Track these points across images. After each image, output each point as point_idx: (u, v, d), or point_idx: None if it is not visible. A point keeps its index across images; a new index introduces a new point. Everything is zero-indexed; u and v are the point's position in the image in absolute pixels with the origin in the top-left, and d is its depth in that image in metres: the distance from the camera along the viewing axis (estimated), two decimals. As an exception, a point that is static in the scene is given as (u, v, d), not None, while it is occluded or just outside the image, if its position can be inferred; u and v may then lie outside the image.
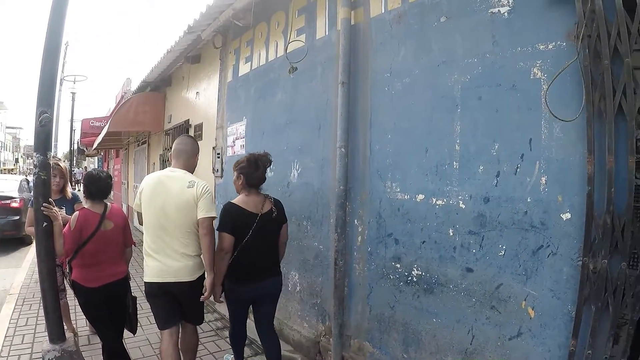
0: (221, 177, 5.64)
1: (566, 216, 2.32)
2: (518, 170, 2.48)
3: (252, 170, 3.09)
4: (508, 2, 2.53)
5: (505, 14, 2.54)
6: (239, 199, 3.10)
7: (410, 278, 2.99)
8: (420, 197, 2.93)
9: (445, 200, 2.80)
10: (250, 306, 3.23)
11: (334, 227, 3.38)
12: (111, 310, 3.06)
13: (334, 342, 3.40)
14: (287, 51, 4.07)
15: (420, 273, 2.93)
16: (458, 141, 2.74)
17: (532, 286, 2.42)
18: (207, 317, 4.44)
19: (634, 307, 2.07)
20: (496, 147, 2.57)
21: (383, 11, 3.21)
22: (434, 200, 2.86)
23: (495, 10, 2.58)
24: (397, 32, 3.11)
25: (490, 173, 2.60)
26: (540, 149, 2.40)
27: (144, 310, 4.50)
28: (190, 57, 6.66)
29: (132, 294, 3.28)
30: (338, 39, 3.46)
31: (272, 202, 3.19)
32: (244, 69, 5.09)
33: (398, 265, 3.07)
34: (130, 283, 3.32)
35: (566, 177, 2.32)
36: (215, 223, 2.99)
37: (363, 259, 3.33)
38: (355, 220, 3.38)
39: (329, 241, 3.60)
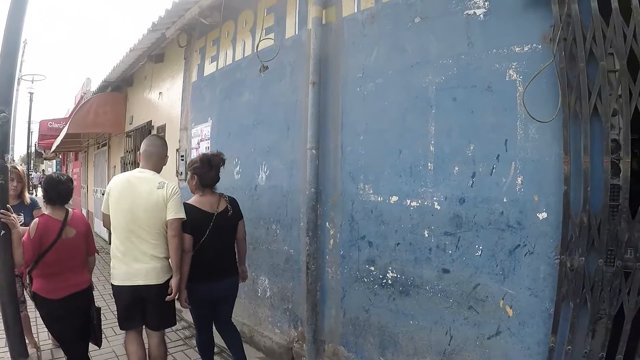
0: (185, 180, 5.35)
1: (542, 215, 2.29)
2: (494, 170, 2.44)
3: (206, 171, 3.04)
4: (484, 4, 2.49)
5: (481, 15, 2.50)
6: (194, 200, 3.05)
7: (385, 281, 2.89)
8: (394, 198, 2.84)
9: (420, 201, 2.72)
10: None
11: (305, 231, 3.25)
12: (75, 322, 2.80)
13: (307, 348, 3.26)
14: (255, 51, 3.91)
15: (396, 275, 2.83)
16: (433, 142, 2.67)
17: (510, 285, 2.38)
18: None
19: (611, 302, 2.08)
20: (472, 148, 2.52)
21: (355, 11, 3.12)
22: (409, 201, 2.77)
23: (471, 12, 2.54)
24: (370, 32, 3.02)
25: (466, 174, 2.54)
26: (516, 150, 2.37)
27: (108, 321, 4.21)
28: (153, 56, 6.33)
29: (96, 304, 3.01)
30: (309, 38, 3.34)
31: (227, 200, 3.15)
32: (209, 68, 4.88)
33: (372, 268, 2.96)
34: (94, 293, 3.05)
35: (542, 177, 2.31)
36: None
37: (335, 262, 3.20)
38: (327, 223, 3.25)
39: (299, 245, 3.46)
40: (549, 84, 2.25)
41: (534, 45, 2.33)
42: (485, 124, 2.48)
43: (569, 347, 2.16)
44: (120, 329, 2.94)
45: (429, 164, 2.69)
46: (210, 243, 2.95)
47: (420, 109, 2.74)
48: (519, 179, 2.36)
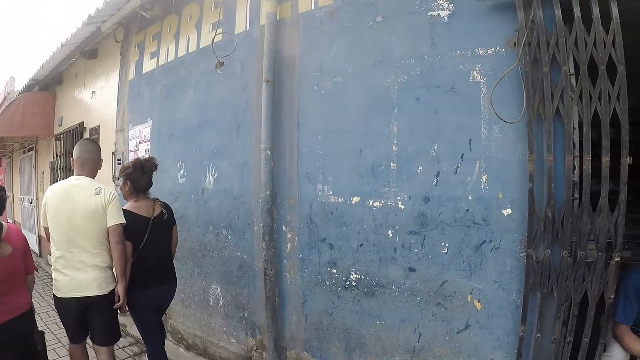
0: (120, 185, 4.86)
1: (507, 212, 2.29)
2: (458, 169, 2.39)
3: (139, 176, 2.91)
4: (448, 6, 2.45)
5: (445, 17, 2.45)
6: (130, 205, 2.92)
7: (348, 283, 2.73)
8: (356, 199, 2.69)
9: (383, 201, 2.60)
10: None
11: (262, 235, 3.00)
12: (17, 350, 2.31)
13: (268, 356, 3.02)
14: (200, 47, 3.61)
15: (359, 277, 2.69)
16: (395, 142, 2.57)
17: (477, 280, 2.36)
18: (121, 342, 3.71)
19: (576, 290, 2.13)
20: (435, 147, 2.45)
21: (313, 7, 2.93)
22: (371, 202, 2.64)
23: (435, 13, 2.48)
24: (328, 30, 2.85)
25: (430, 173, 2.47)
26: (480, 149, 2.35)
27: (51, 342, 3.68)
28: (87, 52, 5.55)
29: (38, 327, 2.55)
30: (262, 34, 3.09)
31: (162, 205, 3.04)
32: (149, 65, 4.39)
33: (334, 271, 2.79)
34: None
35: (506, 175, 2.31)
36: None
37: (294, 266, 2.99)
38: (284, 227, 3.03)
39: (253, 250, 3.20)
40: (512, 86, 2.24)
41: (498, 48, 2.33)
42: (449, 124, 2.43)
43: (538, 334, 2.20)
44: (69, 341, 2.72)
45: (392, 163, 2.58)
46: (149, 248, 2.82)
47: (382, 109, 2.62)
48: (484, 177, 2.34)
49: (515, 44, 2.26)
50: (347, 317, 2.77)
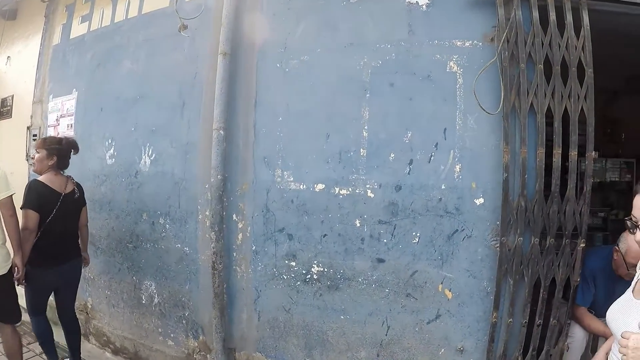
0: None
1: (479, 201, 2.30)
2: (432, 158, 2.34)
3: (66, 154, 2.82)
4: None
5: (424, 6, 2.39)
6: (44, 178, 2.74)
7: (309, 276, 2.51)
8: (320, 186, 2.48)
9: (350, 189, 2.44)
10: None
11: (210, 225, 2.63)
12: None
13: (215, 358, 2.63)
14: (142, 12, 3.12)
15: (322, 269, 2.49)
16: (366, 127, 2.43)
17: (448, 269, 2.33)
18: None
19: (546, 275, 2.21)
20: (409, 135, 2.37)
21: (281, -22, 2.65)
22: (337, 189, 2.46)
23: (414, 1, 2.40)
24: (296, 5, 2.61)
25: (403, 161, 2.38)
26: (455, 139, 2.34)
27: None
28: (5, 12, 4.46)
29: None
30: (218, 2, 2.71)
31: (75, 183, 2.91)
32: (78, 29, 3.66)
33: (293, 264, 2.55)
34: None
35: (479, 165, 2.32)
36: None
37: (246, 259, 2.67)
38: (234, 216, 2.69)
39: (197, 242, 2.80)
40: (488, 79, 2.24)
41: (475, 42, 2.33)
42: (424, 112, 2.37)
43: (510, 319, 2.23)
44: None
45: (362, 150, 2.44)
46: (56, 224, 2.70)
47: (353, 92, 2.46)
48: (457, 167, 2.31)
49: (492, 39, 2.29)
50: (307, 313, 2.54)
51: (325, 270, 2.51)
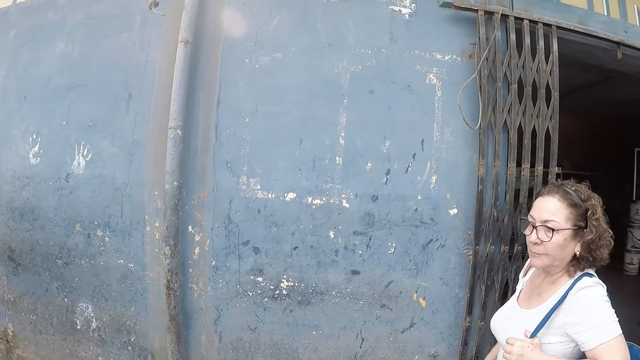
0: None
1: (453, 212, 2.35)
2: (409, 169, 2.33)
3: None
4: (410, 5, 2.37)
5: (407, 15, 2.36)
6: None
7: (278, 292, 2.31)
8: (291, 195, 2.30)
9: (324, 199, 2.30)
10: None
11: (164, 238, 2.25)
12: None
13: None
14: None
15: (292, 284, 2.31)
16: (343, 134, 2.31)
17: (423, 278, 2.34)
18: None
19: (514, 280, 2.31)
20: (387, 144, 2.32)
21: (255, -35, 2.35)
22: (310, 199, 2.30)
23: (397, 8, 2.36)
24: (271, -3, 2.34)
25: (380, 171, 2.32)
26: (432, 150, 2.35)
27: None
28: None
29: None
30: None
31: None
32: (2, 1, 2.85)
33: (260, 279, 2.32)
34: None
35: (454, 177, 2.38)
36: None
37: (204, 276, 2.35)
38: (190, 227, 2.34)
39: (144, 257, 2.37)
40: (466, 94, 2.26)
41: (454, 56, 2.37)
42: (402, 122, 2.34)
43: (482, 323, 2.31)
44: None
45: (337, 157, 2.31)
46: None
47: (330, 97, 2.32)
48: (434, 178, 2.33)
49: (470, 56, 2.35)
50: (275, 331, 2.33)
51: (296, 284, 2.33)
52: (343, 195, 2.32)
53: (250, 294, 2.34)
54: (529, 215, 1.35)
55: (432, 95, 2.33)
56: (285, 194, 2.33)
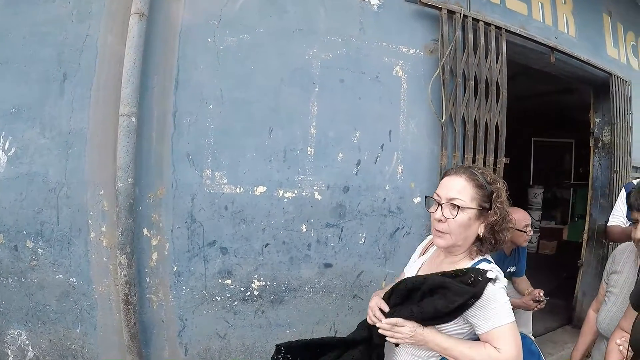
0: None
1: (417, 200, 2.43)
2: (378, 159, 2.34)
3: None
4: None
5: (375, 6, 2.32)
6: None
7: (249, 293, 2.12)
8: (261, 189, 2.12)
9: (296, 191, 2.18)
10: None
11: (118, 245, 1.85)
12: None
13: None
14: None
15: (264, 283, 2.14)
16: (314, 124, 2.20)
17: (390, 266, 2.38)
18: None
19: None
20: (357, 135, 2.28)
21: None
22: (281, 192, 2.15)
23: None
24: (238, -29, 2.05)
25: (351, 161, 2.27)
26: (399, 141, 2.39)
27: None
28: None
29: None
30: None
31: None
32: None
33: (229, 281, 2.10)
34: None
35: (417, 167, 2.46)
36: None
37: (164, 284, 2.03)
38: (145, 230, 1.99)
39: (89, 268, 1.93)
40: (427, 88, 2.35)
41: (417, 51, 2.42)
42: (372, 113, 2.32)
43: None
44: None
45: (309, 148, 2.19)
46: None
47: (300, 84, 2.18)
48: (400, 168, 2.37)
49: (432, 51, 2.41)
50: (247, 334, 2.13)
51: (268, 284, 2.16)
52: (315, 187, 2.20)
53: (219, 299, 2.11)
54: (434, 194, 1.32)
55: (398, 87, 2.34)
56: (255, 188, 2.12)
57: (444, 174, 1.37)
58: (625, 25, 3.60)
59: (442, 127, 2.34)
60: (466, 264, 1.29)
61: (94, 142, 1.92)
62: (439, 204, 1.27)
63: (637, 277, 1.28)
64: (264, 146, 2.12)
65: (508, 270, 2.83)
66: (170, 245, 2.02)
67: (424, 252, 1.53)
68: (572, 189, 6.82)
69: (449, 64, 2.32)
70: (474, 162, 2.41)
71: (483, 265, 1.26)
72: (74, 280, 1.94)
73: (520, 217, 2.67)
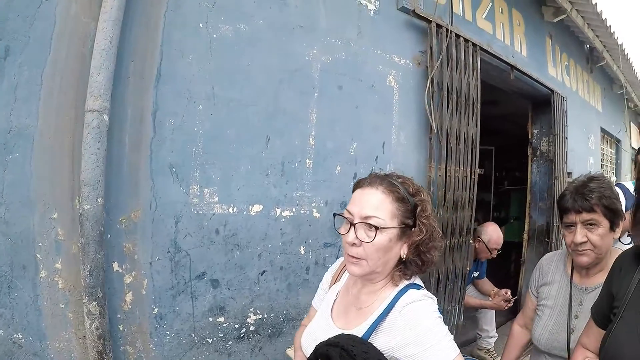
0: None
1: None
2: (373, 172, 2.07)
3: None
4: (375, 2, 2.14)
5: (372, 12, 2.15)
6: None
7: (244, 329, 1.73)
8: (257, 208, 1.75)
9: (295, 209, 1.87)
10: None
11: (89, 289, 1.29)
12: None
13: None
14: None
15: (261, 317, 1.77)
16: (313, 133, 1.92)
17: None
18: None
19: (448, 267, 2.45)
20: (354, 146, 2.08)
21: None
22: (279, 211, 1.82)
23: (364, 2, 2.10)
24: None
25: (348, 174, 2.06)
26: (391, 153, 2.26)
27: None
28: None
29: None
30: None
31: None
32: None
33: (221, 319, 1.67)
34: None
35: None
36: None
37: (143, 331, 1.50)
38: (116, 265, 1.45)
39: (40, 320, 1.31)
40: (413, 100, 2.28)
41: (408, 61, 2.31)
42: (368, 123, 2.13)
43: None
44: None
45: (308, 160, 1.90)
46: None
47: (300, 87, 1.87)
48: None
49: (419, 63, 2.31)
50: (242, 379, 1.71)
51: (265, 316, 1.78)
52: (314, 204, 1.90)
53: (210, 341, 1.66)
54: (345, 210, 1.04)
55: (391, 97, 2.17)
56: (250, 207, 1.74)
57: (355, 184, 1.09)
58: (561, 47, 3.98)
59: (430, 139, 2.25)
60: (390, 292, 1.03)
61: (44, 147, 1.34)
62: (352, 224, 0.99)
63: (601, 292, 1.10)
64: (261, 157, 1.75)
65: (472, 275, 2.89)
66: (149, 282, 1.52)
67: (336, 280, 1.24)
68: (506, 193, 6.97)
69: (437, 77, 2.23)
70: (455, 174, 2.38)
71: (411, 294, 1.00)
72: (20, 336, 1.31)
73: (494, 239, 2.75)
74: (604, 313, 1.05)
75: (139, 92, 1.49)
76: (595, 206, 1.27)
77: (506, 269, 4.04)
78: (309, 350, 1.05)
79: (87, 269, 1.33)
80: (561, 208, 1.36)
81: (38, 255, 1.33)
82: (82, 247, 1.33)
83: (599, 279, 1.30)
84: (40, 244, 1.34)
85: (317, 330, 1.10)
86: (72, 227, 1.38)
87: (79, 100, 1.38)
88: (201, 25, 1.60)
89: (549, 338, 1.42)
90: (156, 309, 1.53)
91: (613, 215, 1.28)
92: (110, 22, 1.34)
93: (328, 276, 1.29)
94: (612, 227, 1.29)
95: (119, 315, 1.46)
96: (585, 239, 1.29)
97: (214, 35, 1.63)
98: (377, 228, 0.96)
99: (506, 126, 4.54)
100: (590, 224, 1.29)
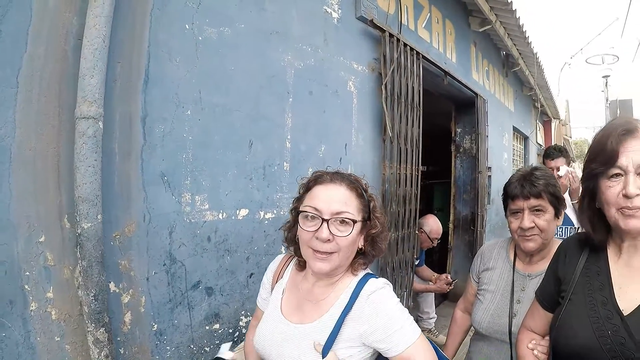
0: None
1: None
2: None
3: None
4: (337, 10, 2.21)
5: (335, 20, 2.22)
6: None
7: (237, 334, 1.70)
8: (244, 212, 1.72)
9: (275, 211, 1.87)
10: None
11: (94, 315, 1.14)
12: None
13: None
14: None
15: (250, 319, 1.72)
16: (289, 137, 1.93)
17: None
18: None
19: (399, 256, 2.64)
20: (323, 148, 2.15)
21: None
22: (262, 213, 1.80)
23: (329, 10, 2.16)
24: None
25: None
26: (351, 154, 2.38)
27: None
28: None
29: None
30: None
31: None
32: None
33: (217, 326, 1.61)
34: None
35: (365, 178, 2.33)
36: None
37: (144, 350, 1.36)
38: (112, 285, 1.29)
39: (35, 357, 1.11)
40: (368, 104, 2.40)
41: (364, 68, 2.43)
42: (333, 126, 2.21)
43: None
44: None
45: (285, 163, 1.90)
46: None
47: (277, 93, 1.86)
48: None
49: (373, 69, 2.43)
50: (239, 384, 1.65)
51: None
52: (291, 205, 1.91)
53: (208, 349, 1.58)
54: (308, 207, 1.03)
55: (350, 102, 2.25)
56: (238, 211, 1.68)
57: (310, 181, 1.13)
58: (483, 54, 4.38)
59: (384, 140, 2.39)
60: (348, 282, 1.06)
61: (24, 160, 1.14)
62: (324, 220, 0.99)
63: (545, 276, 1.13)
64: (245, 162, 1.70)
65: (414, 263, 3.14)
66: (147, 299, 1.39)
67: (278, 277, 1.23)
68: (430, 187, 6.98)
69: (390, 84, 2.37)
70: (403, 171, 2.56)
71: (372, 282, 1.05)
72: (6, 381, 1.10)
73: (435, 229, 3.01)
74: (552, 296, 1.08)
75: (126, 97, 1.34)
76: (542, 192, 1.31)
77: (431, 257, 4.42)
78: (265, 350, 1.08)
79: (92, 294, 1.18)
80: (509, 195, 1.39)
81: (26, 286, 1.13)
82: (84, 270, 1.17)
83: (542, 266, 1.33)
84: (28, 273, 1.14)
85: (271, 329, 1.10)
86: (62, 249, 1.20)
87: (62, 106, 1.19)
88: (187, 26, 1.49)
89: (490, 322, 1.43)
90: (155, 325, 1.41)
91: (558, 203, 1.34)
92: (103, 17, 1.18)
93: (269, 274, 1.27)
94: (557, 214, 1.35)
95: (119, 338, 1.32)
96: (532, 224, 1.32)
97: (200, 38, 1.53)
98: (354, 222, 1.01)
99: (427, 126, 4.95)
100: (537, 210, 1.33)
